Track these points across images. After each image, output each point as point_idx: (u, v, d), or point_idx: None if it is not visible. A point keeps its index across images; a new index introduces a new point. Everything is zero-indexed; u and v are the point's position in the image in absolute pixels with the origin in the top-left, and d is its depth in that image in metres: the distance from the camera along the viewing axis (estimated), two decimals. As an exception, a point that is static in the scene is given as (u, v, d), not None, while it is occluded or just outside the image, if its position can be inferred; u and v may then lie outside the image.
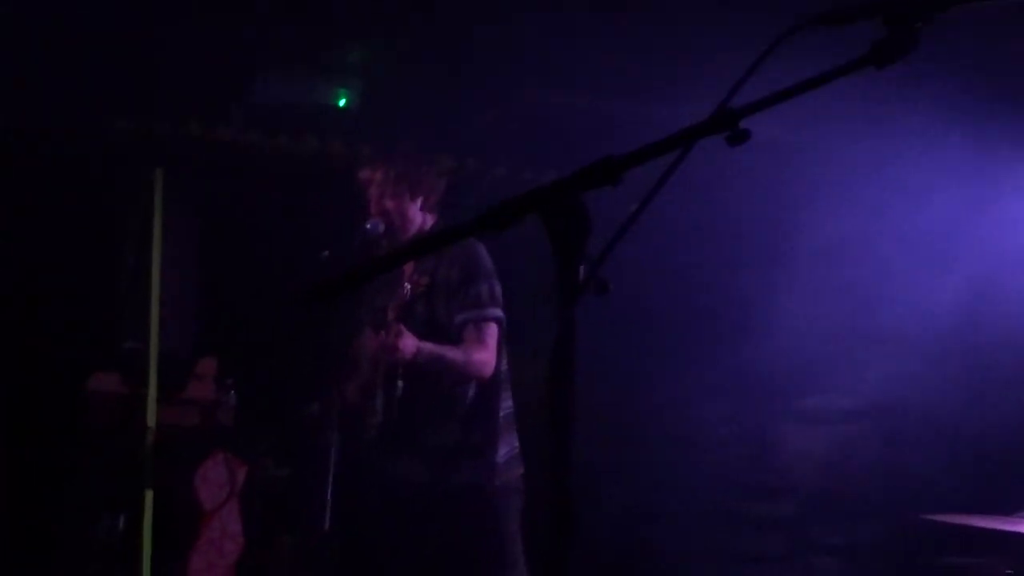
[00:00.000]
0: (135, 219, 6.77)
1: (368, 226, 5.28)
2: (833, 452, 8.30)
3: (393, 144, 5.42)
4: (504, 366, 5.41)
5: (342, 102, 7.62)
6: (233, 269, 7.74)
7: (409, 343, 5.16)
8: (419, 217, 5.38)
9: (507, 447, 5.40)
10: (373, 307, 5.49)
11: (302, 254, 5.48)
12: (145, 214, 6.58)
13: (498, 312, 5.30)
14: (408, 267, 5.32)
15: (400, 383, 5.28)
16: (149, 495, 6.09)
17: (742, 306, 7.72)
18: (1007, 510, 5.40)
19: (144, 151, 7.36)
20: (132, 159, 7.29)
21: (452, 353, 5.25)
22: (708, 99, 2.26)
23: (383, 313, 5.37)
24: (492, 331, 5.29)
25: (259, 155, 7.88)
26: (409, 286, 5.24)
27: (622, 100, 7.59)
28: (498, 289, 5.31)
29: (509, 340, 5.46)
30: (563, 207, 2.16)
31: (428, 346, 5.20)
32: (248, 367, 7.25)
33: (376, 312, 5.45)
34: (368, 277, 2.30)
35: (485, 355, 5.27)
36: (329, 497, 5.33)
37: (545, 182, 2.26)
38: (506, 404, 5.44)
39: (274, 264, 7.49)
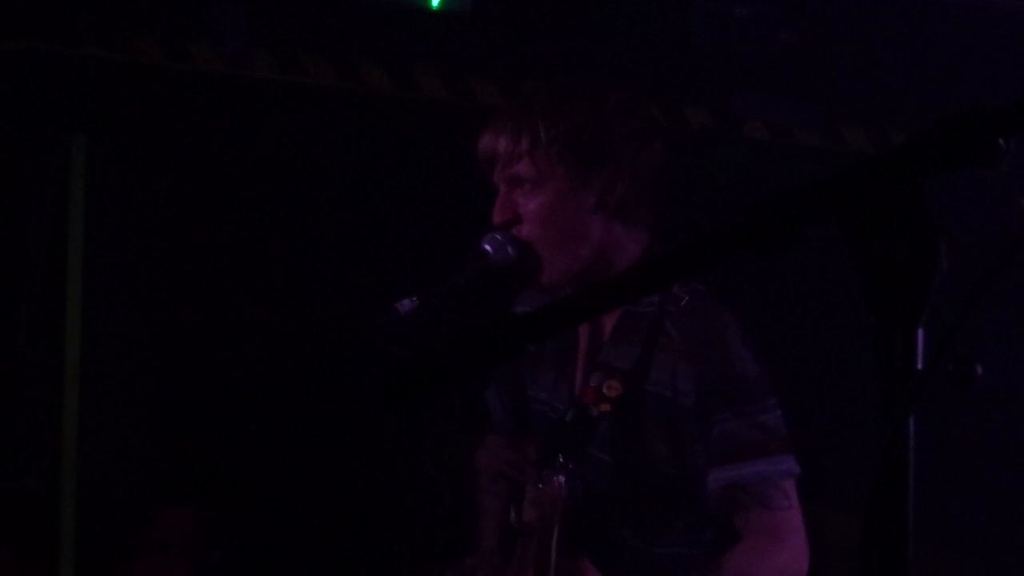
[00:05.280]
0: (37, 229, 4.72)
1: (488, 247, 2.92)
2: None
3: (544, 72, 3.19)
4: None
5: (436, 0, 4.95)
6: (231, 325, 5.02)
7: None
8: (593, 227, 2.92)
9: None
10: (516, 409, 3.15)
11: (360, 300, 3.36)
12: (52, 215, 4.65)
13: (792, 461, 2.90)
14: (586, 350, 3.03)
15: None
16: None
17: None
18: None
19: (57, 95, 4.87)
20: (35, 111, 4.83)
21: None
22: None
23: (530, 427, 3.08)
24: (791, 498, 2.89)
25: (278, 100, 5.06)
26: (561, 478, 2.79)
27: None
28: (779, 411, 2.90)
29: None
30: (887, 212, 1.23)
31: None
32: (251, 533, 4.91)
33: (518, 421, 3.17)
34: (491, 363, 1.24)
35: (791, 549, 2.89)
36: None
37: (858, 157, 1.26)
38: None
39: (309, 320, 5.01)
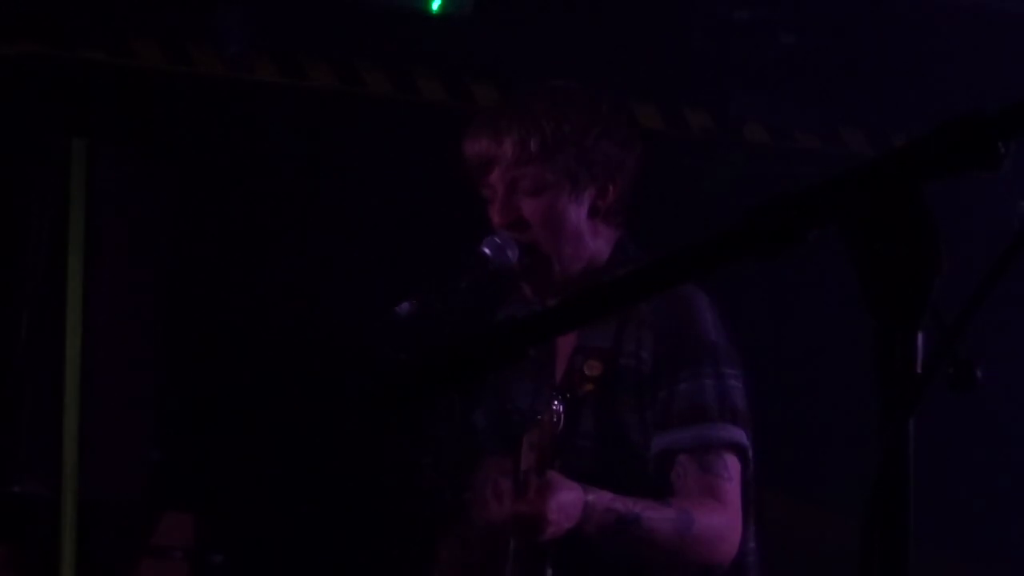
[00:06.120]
0: (38, 234, 4.58)
1: (487, 250, 2.97)
2: None
3: (540, 80, 3.12)
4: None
5: (436, 3, 4.90)
6: (229, 328, 5.01)
7: (567, 501, 2.80)
8: (586, 231, 3.01)
9: None
10: (499, 421, 3.17)
11: (359, 306, 3.38)
12: (53, 219, 4.52)
13: (739, 434, 2.94)
14: (566, 341, 3.07)
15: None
16: None
17: None
18: None
19: (56, 100, 4.86)
20: (35, 115, 4.82)
21: (656, 515, 2.86)
22: None
23: (514, 437, 3.03)
24: (731, 470, 2.93)
25: (278, 105, 5.10)
26: (559, 406, 2.83)
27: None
28: (738, 383, 2.97)
29: (768, 465, 2.99)
30: (887, 215, 1.22)
31: (604, 500, 2.86)
32: (251, 535, 4.87)
33: (501, 432, 3.16)
34: (489, 365, 1.22)
35: (723, 516, 2.91)
36: None
37: (856, 161, 1.28)
38: (749, 547, 3.05)
39: (307, 322, 5.01)
